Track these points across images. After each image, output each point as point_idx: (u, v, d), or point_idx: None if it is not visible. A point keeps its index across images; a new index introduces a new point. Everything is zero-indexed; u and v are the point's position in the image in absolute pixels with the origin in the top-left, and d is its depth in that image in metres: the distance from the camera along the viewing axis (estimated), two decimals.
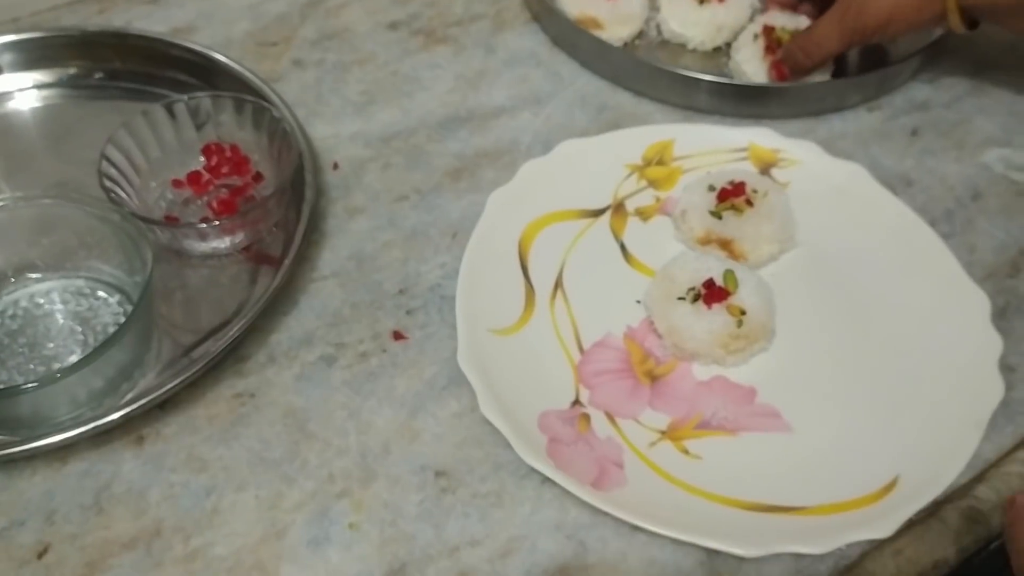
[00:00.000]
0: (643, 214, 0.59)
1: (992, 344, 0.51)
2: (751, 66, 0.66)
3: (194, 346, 0.53)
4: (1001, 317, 0.54)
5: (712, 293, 0.52)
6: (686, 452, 0.49)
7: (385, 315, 0.55)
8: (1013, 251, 0.58)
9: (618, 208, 0.60)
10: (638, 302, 0.55)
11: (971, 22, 0.61)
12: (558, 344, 0.53)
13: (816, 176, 0.60)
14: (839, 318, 0.54)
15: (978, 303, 0.53)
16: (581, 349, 0.53)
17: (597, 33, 0.69)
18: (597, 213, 0.59)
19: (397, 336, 0.54)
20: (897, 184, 0.62)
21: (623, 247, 0.58)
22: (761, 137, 0.62)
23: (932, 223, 0.58)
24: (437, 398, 0.51)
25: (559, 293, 0.56)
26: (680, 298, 0.52)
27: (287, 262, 0.54)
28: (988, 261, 0.58)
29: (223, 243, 0.56)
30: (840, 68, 0.68)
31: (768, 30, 0.66)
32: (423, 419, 0.50)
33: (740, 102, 0.66)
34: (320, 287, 0.56)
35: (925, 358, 0.52)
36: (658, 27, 0.72)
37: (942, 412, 0.49)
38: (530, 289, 0.55)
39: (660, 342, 0.53)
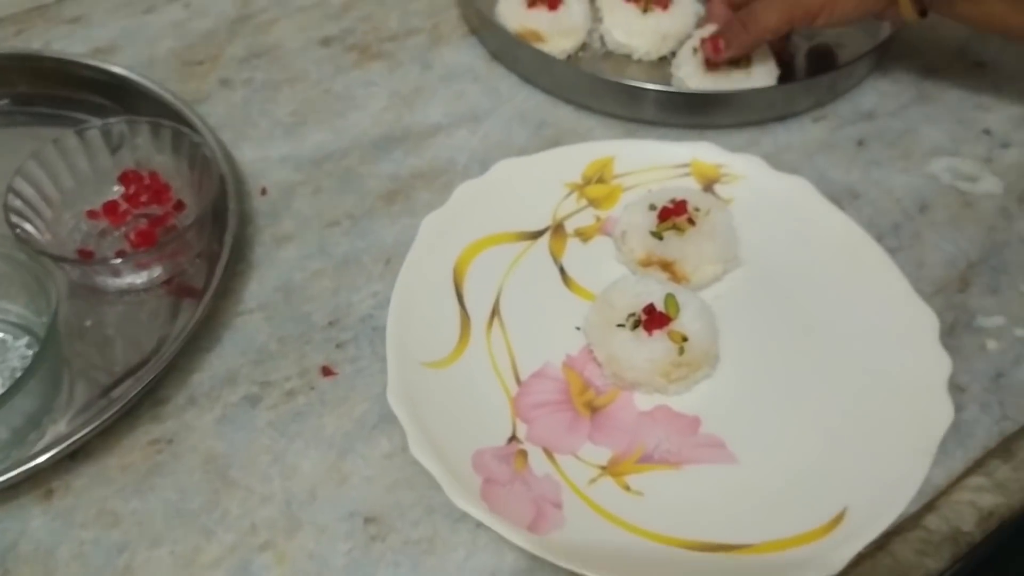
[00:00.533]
0: (583, 235, 0.57)
1: (941, 364, 0.49)
2: (694, 82, 0.65)
3: (109, 389, 0.50)
4: (950, 335, 0.53)
5: (652, 319, 0.50)
6: (627, 488, 0.47)
7: (314, 349, 0.52)
8: (962, 264, 0.57)
9: (557, 229, 0.57)
10: (578, 329, 0.53)
11: (922, 10, 0.59)
12: (494, 376, 0.51)
13: (760, 191, 0.58)
14: (784, 340, 0.52)
15: (926, 321, 0.51)
16: (518, 380, 0.51)
17: (539, 46, 0.67)
18: (535, 235, 0.57)
19: (326, 372, 0.51)
20: (843, 197, 0.60)
21: (562, 270, 0.55)
22: (704, 152, 0.60)
23: (879, 237, 0.57)
24: (367, 438, 0.49)
25: (496, 321, 0.53)
26: (620, 325, 0.50)
27: (209, 295, 0.51)
28: (937, 276, 0.56)
29: (139, 278, 0.53)
30: (786, 74, 0.66)
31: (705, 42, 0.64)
32: (352, 461, 0.48)
33: (686, 112, 0.64)
34: (245, 321, 0.53)
35: (873, 381, 0.50)
36: (602, 38, 0.70)
37: (891, 438, 0.47)
38: (465, 317, 0.53)
39: (600, 371, 0.51)
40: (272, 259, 0.56)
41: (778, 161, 0.61)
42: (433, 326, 0.52)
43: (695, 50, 0.65)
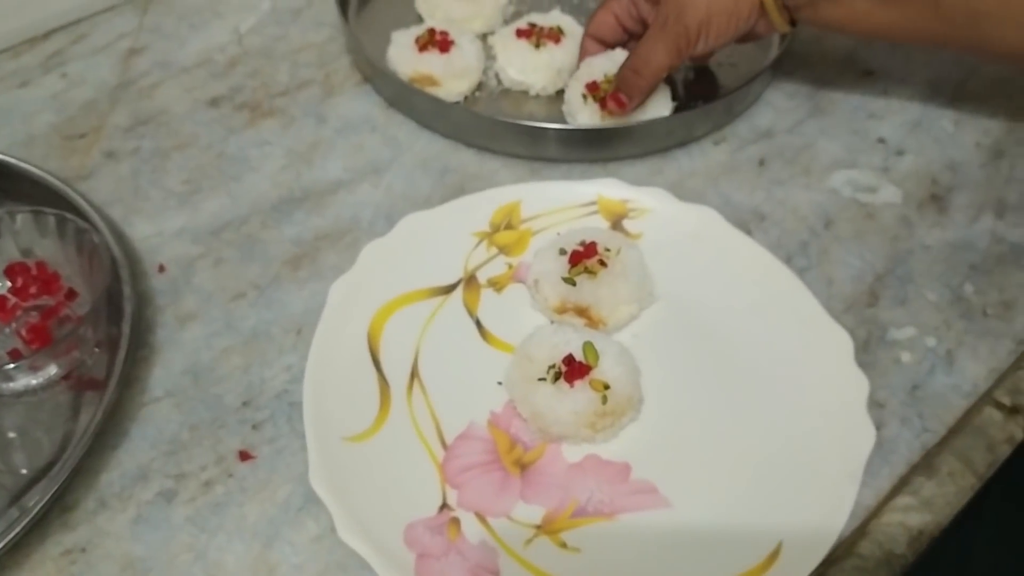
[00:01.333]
0: (496, 284, 0.56)
1: (858, 385, 0.50)
2: (591, 122, 0.64)
3: (13, 500, 0.47)
4: (864, 351, 0.54)
5: (572, 370, 0.49)
6: (564, 546, 0.46)
7: (229, 434, 0.50)
8: (869, 278, 0.58)
9: (470, 281, 0.56)
10: (500, 384, 0.52)
11: (791, 19, 0.60)
12: (419, 442, 0.50)
13: (668, 223, 0.58)
14: (706, 375, 0.52)
15: (840, 342, 0.52)
16: (444, 444, 0.50)
17: (433, 91, 0.66)
18: (448, 289, 0.56)
19: (244, 456, 0.49)
20: (750, 220, 0.61)
21: (479, 324, 0.54)
22: (608, 188, 0.60)
23: (788, 258, 0.58)
24: (293, 522, 0.47)
25: (416, 384, 0.52)
26: (541, 379, 0.49)
27: (111, 387, 0.49)
28: (846, 292, 0.57)
29: (36, 379, 0.50)
30: (683, 104, 0.66)
31: (593, 87, 0.64)
32: (279, 549, 0.46)
33: (587, 147, 0.64)
34: (153, 411, 0.51)
35: (794, 408, 0.50)
36: (497, 76, 0.70)
37: (817, 464, 0.48)
38: (384, 384, 0.52)
39: (526, 426, 0.50)
40: (176, 341, 0.54)
41: (683, 189, 0.62)
42: (352, 397, 0.51)
43: (584, 97, 0.64)
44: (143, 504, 0.47)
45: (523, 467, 0.49)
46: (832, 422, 0.49)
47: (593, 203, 0.60)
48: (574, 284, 0.53)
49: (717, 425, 0.50)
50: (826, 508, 0.46)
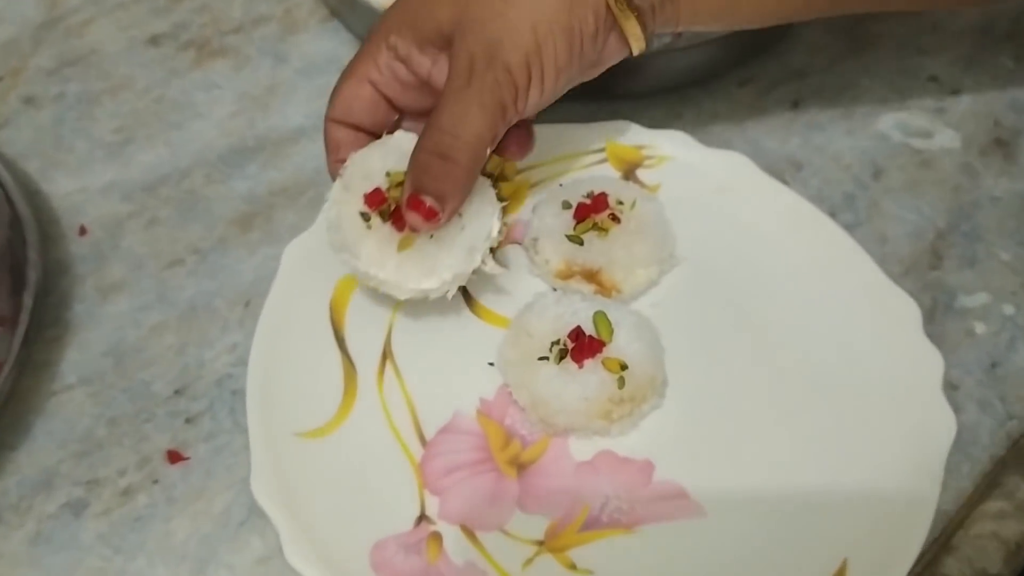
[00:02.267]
0: None
1: (931, 362, 0.41)
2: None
3: None
4: (930, 322, 0.44)
5: (581, 347, 0.40)
6: (573, 567, 0.37)
7: (156, 429, 0.41)
8: (930, 235, 0.49)
9: None
10: (491, 365, 0.42)
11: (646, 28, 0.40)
12: (392, 438, 0.40)
13: (691, 173, 0.49)
14: (741, 351, 0.43)
15: (905, 311, 0.43)
16: (423, 440, 0.40)
17: None
18: None
19: (174, 457, 0.40)
20: (785, 169, 0.52)
21: (466, 292, 0.45)
22: (619, 133, 0.50)
23: (832, 213, 0.48)
24: (233, 539, 0.38)
25: (389, 366, 0.43)
26: (542, 358, 0.40)
27: (4, 373, 0.39)
28: (903, 252, 0.48)
29: None
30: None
31: (376, 198, 0.40)
32: (215, 574, 0.37)
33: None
34: (62, 402, 0.42)
35: (852, 392, 0.41)
36: None
37: (885, 462, 0.39)
38: (349, 366, 0.42)
39: (524, 416, 0.41)
40: (97, 316, 0.45)
41: (705, 135, 0.52)
42: (309, 383, 0.41)
43: (366, 217, 0.40)
44: (45, 518, 0.38)
45: (521, 467, 0.40)
46: (901, 408, 0.40)
47: (601, 150, 0.50)
48: (581, 243, 0.44)
49: (758, 413, 0.41)
50: (900, 516, 0.37)
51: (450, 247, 0.39)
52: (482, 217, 0.40)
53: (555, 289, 0.44)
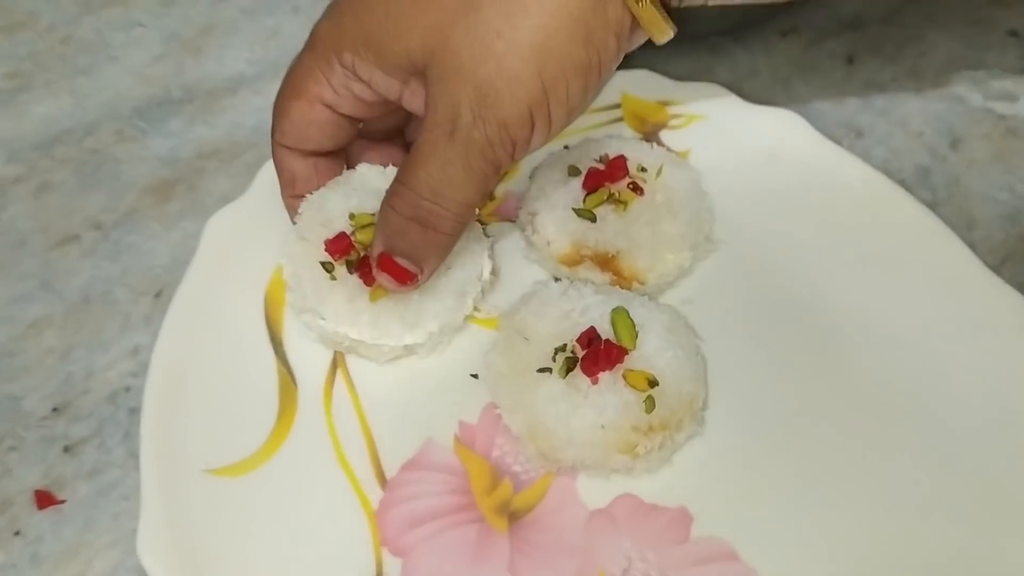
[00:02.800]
0: None
1: None
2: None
3: None
4: None
5: (596, 355, 0.30)
6: None
7: (23, 461, 0.31)
8: None
9: None
10: (474, 377, 0.32)
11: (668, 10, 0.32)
12: (341, 476, 0.30)
13: (730, 136, 0.39)
14: (804, 364, 0.33)
15: (1015, 312, 0.33)
16: (383, 480, 0.30)
17: None
18: None
19: (44, 500, 0.30)
20: (843, 136, 0.42)
21: None
22: (640, 83, 0.40)
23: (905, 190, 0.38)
24: None
25: (340, 378, 0.33)
26: (543, 369, 0.30)
27: None
28: (996, 239, 0.38)
29: None
30: None
31: (342, 246, 0.33)
32: None
33: None
34: None
35: (949, 415, 0.31)
36: None
37: (1005, 505, 0.29)
38: (288, 378, 0.32)
39: (518, 446, 0.31)
40: None
41: (742, 93, 0.42)
42: (230, 400, 0.31)
43: (329, 270, 0.32)
44: None
45: (513, 517, 0.29)
46: (1011, 435, 0.30)
47: (616, 106, 0.40)
48: (593, 220, 0.34)
49: (828, 446, 0.31)
50: None
51: (435, 292, 0.32)
52: (470, 255, 0.33)
53: (557, 279, 0.34)
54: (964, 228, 0.39)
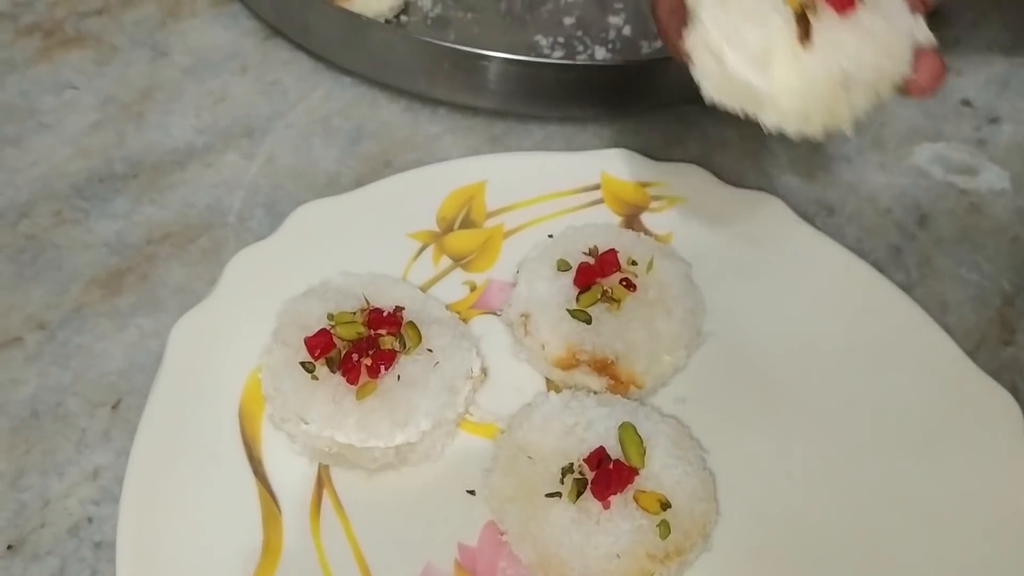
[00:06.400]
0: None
1: None
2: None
3: None
4: None
5: (606, 477, 0.28)
6: None
7: None
8: (996, 300, 0.40)
9: None
10: (471, 494, 0.30)
11: None
12: None
13: (710, 219, 0.38)
14: (802, 465, 0.33)
15: (999, 406, 0.33)
16: None
17: (344, 5, 0.43)
18: None
19: None
20: (815, 214, 0.42)
21: None
22: (617, 164, 0.39)
23: (879, 270, 0.39)
24: None
25: (327, 499, 0.30)
26: (551, 494, 0.28)
27: None
28: (969, 323, 0.39)
29: None
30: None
31: None
32: None
33: (576, 94, 0.42)
34: None
35: (947, 510, 0.31)
36: None
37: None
38: (270, 502, 0.30)
39: (521, 570, 0.29)
40: None
41: (713, 167, 0.41)
42: (212, 537, 0.28)
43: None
44: None
45: None
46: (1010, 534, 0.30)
47: (596, 187, 0.39)
48: (588, 321, 0.33)
49: (844, 550, 0.30)
50: None
51: (424, 387, 0.31)
52: (458, 351, 0.32)
53: (552, 387, 0.33)
54: (938, 311, 0.39)
